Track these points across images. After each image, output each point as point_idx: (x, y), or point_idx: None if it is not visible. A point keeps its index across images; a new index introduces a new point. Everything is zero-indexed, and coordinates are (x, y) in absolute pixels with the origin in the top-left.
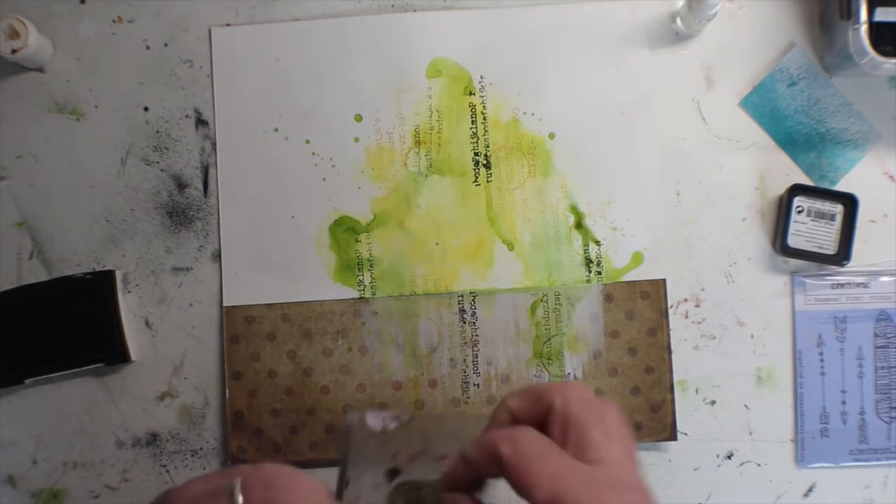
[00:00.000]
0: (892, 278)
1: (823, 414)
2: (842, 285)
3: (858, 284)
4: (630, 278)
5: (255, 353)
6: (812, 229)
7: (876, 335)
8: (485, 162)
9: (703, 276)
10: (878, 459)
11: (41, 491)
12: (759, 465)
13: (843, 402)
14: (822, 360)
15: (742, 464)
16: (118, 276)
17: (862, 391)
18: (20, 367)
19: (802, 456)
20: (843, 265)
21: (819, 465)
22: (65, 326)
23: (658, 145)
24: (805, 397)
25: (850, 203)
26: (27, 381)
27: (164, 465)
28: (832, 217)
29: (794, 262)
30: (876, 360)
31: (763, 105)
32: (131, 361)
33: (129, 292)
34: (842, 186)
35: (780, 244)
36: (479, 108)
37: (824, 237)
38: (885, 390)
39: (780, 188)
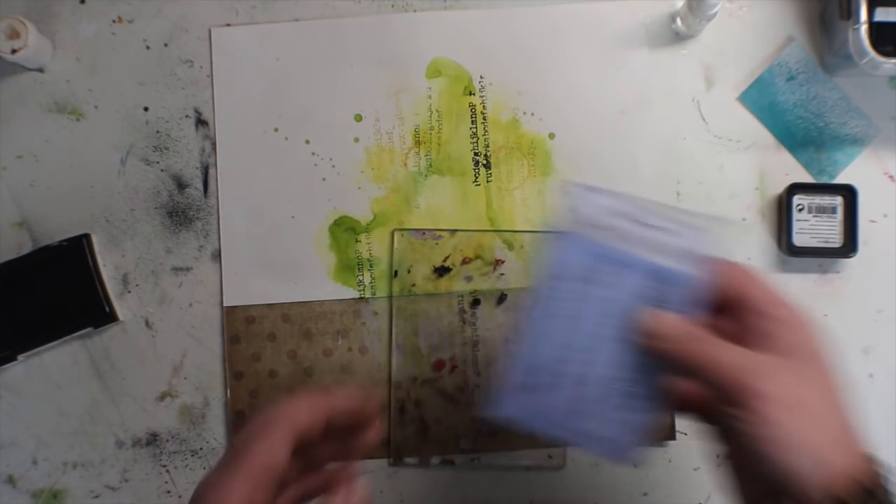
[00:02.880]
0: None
1: (537, 364)
2: (624, 215)
3: (647, 224)
4: None
5: (255, 353)
6: (815, 225)
7: (640, 296)
8: (485, 162)
9: None
10: (587, 446)
11: (41, 491)
12: None
13: (563, 361)
14: (564, 299)
15: None
16: (94, 239)
17: (594, 358)
18: (11, 343)
19: (495, 404)
20: (850, 256)
21: (522, 420)
22: (49, 297)
23: (658, 145)
24: (527, 335)
25: (849, 194)
26: (20, 357)
27: (164, 465)
28: (833, 210)
29: (794, 261)
30: (626, 329)
31: (762, 100)
32: (119, 321)
33: (129, 292)
34: (841, 181)
35: (787, 244)
36: (479, 108)
37: (828, 231)
38: (624, 368)
39: (780, 188)
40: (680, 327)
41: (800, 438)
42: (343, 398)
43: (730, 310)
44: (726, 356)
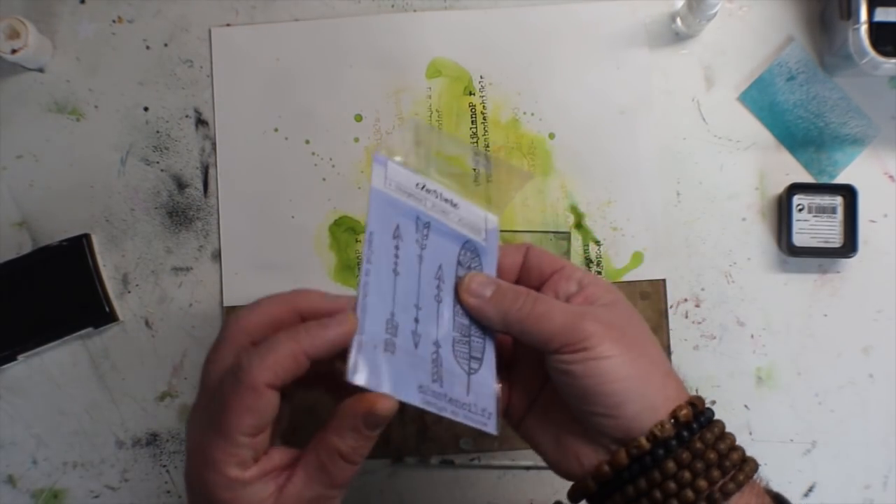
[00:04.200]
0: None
1: (392, 321)
2: (429, 190)
3: (446, 200)
4: (630, 278)
5: None
6: (815, 225)
7: (459, 263)
8: (485, 161)
9: (703, 276)
10: (453, 412)
11: (41, 491)
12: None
13: (417, 321)
14: (397, 257)
15: None
16: (94, 239)
17: (438, 319)
18: (11, 344)
19: (358, 367)
20: (850, 256)
21: (385, 389)
22: (49, 297)
23: (658, 145)
24: (371, 289)
25: (848, 194)
26: (20, 357)
27: (164, 465)
28: (833, 210)
29: (794, 261)
30: (456, 292)
31: (762, 99)
32: (119, 321)
33: (129, 292)
34: (841, 181)
35: (787, 244)
36: (479, 108)
37: (828, 231)
38: (465, 331)
39: (780, 188)
40: (512, 288)
41: (629, 370)
42: (308, 300)
43: (530, 283)
44: (556, 308)
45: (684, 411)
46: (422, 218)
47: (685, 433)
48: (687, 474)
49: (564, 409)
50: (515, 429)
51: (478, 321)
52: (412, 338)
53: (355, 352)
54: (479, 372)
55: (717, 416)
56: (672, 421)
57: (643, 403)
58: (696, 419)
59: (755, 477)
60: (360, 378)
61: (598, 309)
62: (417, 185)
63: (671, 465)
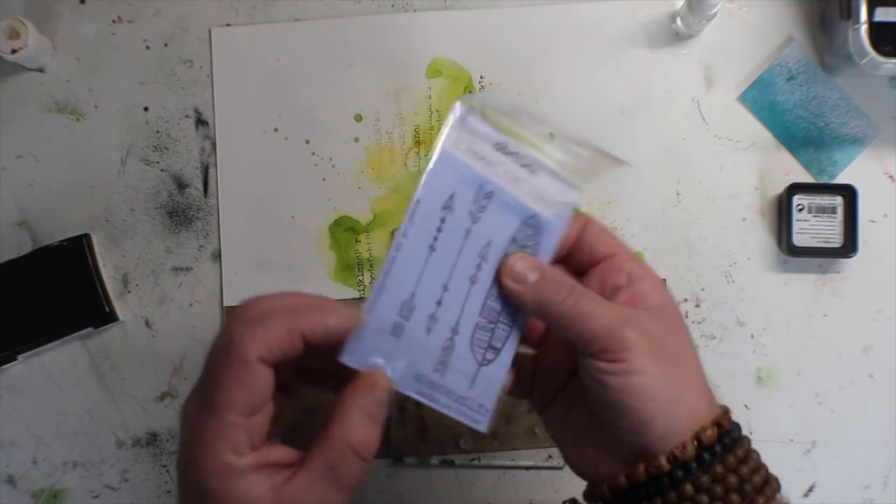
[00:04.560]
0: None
1: (409, 303)
2: (509, 153)
3: (525, 165)
4: None
5: None
6: (815, 225)
7: (514, 240)
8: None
9: (703, 276)
10: (446, 406)
11: (41, 491)
12: None
13: (439, 303)
14: (439, 230)
15: None
16: (94, 239)
17: (466, 302)
18: (11, 344)
19: (352, 348)
20: (850, 256)
21: (367, 364)
22: (49, 297)
23: (658, 145)
24: (398, 265)
25: (849, 194)
26: (20, 357)
27: (164, 465)
28: (833, 210)
29: (795, 261)
30: (498, 273)
31: (762, 99)
32: (119, 321)
33: (129, 292)
34: (841, 181)
35: (787, 245)
36: (479, 108)
37: (828, 231)
38: (493, 318)
39: (780, 188)
40: (558, 278)
41: (664, 390)
42: (316, 314)
43: (580, 262)
44: (600, 309)
45: (709, 432)
46: (485, 187)
47: (706, 455)
48: (705, 498)
49: (588, 410)
50: (540, 413)
51: (511, 309)
52: (427, 322)
53: (355, 333)
54: (492, 364)
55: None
56: (695, 443)
57: (670, 423)
58: (721, 440)
59: (778, 496)
60: (351, 359)
61: (642, 315)
62: (497, 144)
63: (689, 487)
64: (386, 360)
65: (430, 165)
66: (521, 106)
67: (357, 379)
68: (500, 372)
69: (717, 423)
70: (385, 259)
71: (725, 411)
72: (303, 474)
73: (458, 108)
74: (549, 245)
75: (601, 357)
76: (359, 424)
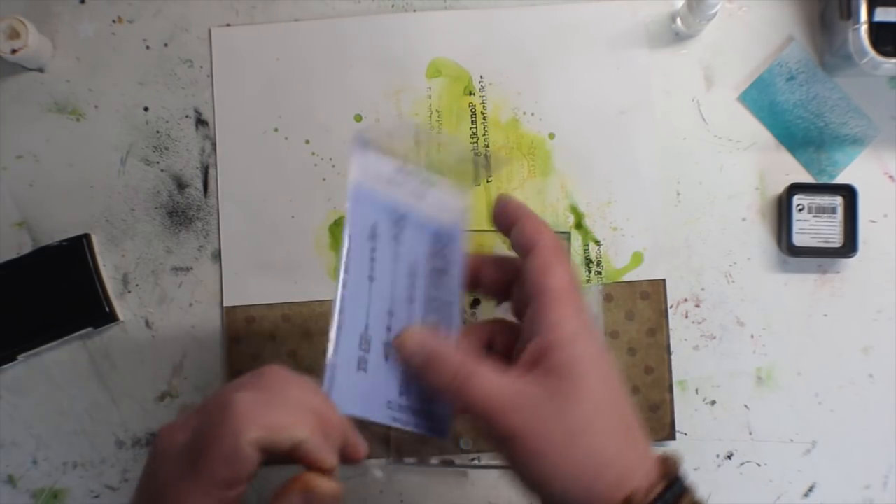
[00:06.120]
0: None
1: (365, 335)
2: (407, 172)
3: (423, 181)
4: (630, 278)
5: (255, 353)
6: (815, 225)
7: (432, 253)
8: (485, 162)
9: (703, 276)
10: (416, 425)
11: (41, 491)
12: (759, 466)
13: (389, 329)
14: (373, 260)
15: (742, 464)
16: (94, 239)
17: (410, 321)
18: (11, 344)
19: (329, 393)
20: (850, 256)
21: (354, 412)
22: (49, 297)
23: (658, 145)
24: (347, 303)
25: (848, 194)
26: (20, 357)
27: None
28: (833, 210)
29: (795, 261)
30: (428, 287)
31: (762, 99)
32: (119, 321)
33: (129, 292)
34: (841, 181)
35: (787, 244)
36: (478, 108)
37: (828, 231)
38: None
39: (780, 188)
40: (445, 356)
41: (564, 469)
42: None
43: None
44: (485, 391)
45: (638, 497)
46: (399, 209)
47: None
48: None
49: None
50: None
51: (446, 318)
52: (383, 350)
53: (329, 379)
54: None
55: (716, 416)
56: None
57: (584, 496)
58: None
59: None
60: (346, 410)
61: (536, 390)
62: (396, 168)
63: None
64: (357, 397)
65: (348, 203)
66: (401, 125)
67: (299, 477)
68: None
69: (648, 489)
70: (334, 299)
71: (663, 469)
72: None
73: (356, 140)
74: (457, 252)
75: (492, 436)
76: None
